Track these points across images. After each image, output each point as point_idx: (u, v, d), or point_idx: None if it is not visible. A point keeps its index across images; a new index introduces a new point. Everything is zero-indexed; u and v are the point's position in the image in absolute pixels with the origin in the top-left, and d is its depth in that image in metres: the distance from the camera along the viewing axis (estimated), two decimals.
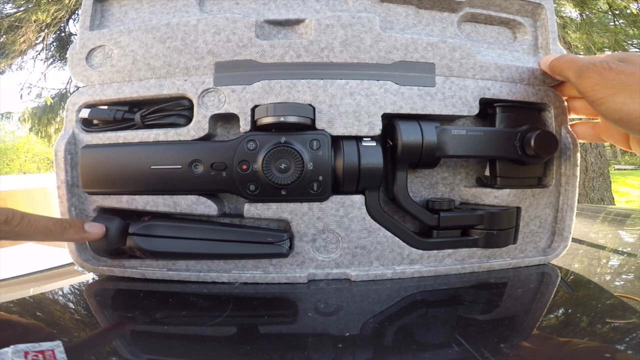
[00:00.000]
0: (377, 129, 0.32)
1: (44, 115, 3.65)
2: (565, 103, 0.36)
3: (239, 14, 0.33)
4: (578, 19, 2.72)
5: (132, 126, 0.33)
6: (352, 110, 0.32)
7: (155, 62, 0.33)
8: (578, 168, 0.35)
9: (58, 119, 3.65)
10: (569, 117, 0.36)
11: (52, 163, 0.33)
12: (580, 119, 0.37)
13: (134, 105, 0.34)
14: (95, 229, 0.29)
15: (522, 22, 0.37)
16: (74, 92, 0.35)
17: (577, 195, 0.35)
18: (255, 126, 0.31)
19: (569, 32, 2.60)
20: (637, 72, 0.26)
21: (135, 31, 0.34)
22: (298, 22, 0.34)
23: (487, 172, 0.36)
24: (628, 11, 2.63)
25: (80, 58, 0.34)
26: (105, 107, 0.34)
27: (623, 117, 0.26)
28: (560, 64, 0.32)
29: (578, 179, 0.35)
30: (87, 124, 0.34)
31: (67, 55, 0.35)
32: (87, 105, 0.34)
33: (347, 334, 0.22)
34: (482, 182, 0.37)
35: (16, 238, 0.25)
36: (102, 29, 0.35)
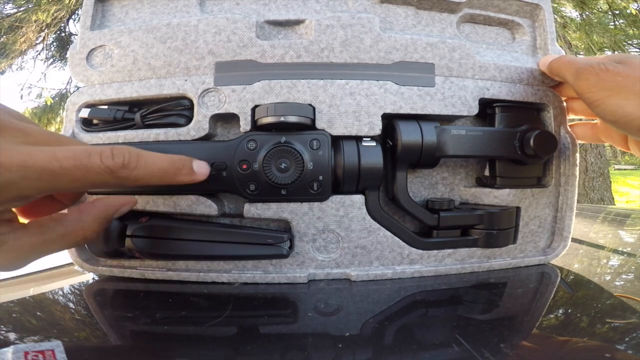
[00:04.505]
0: (377, 129, 0.32)
1: (44, 116, 3.65)
2: (565, 104, 0.36)
3: (239, 15, 0.33)
4: (578, 19, 2.72)
5: (132, 126, 0.33)
6: (352, 110, 0.32)
7: (156, 62, 0.33)
8: (577, 168, 0.35)
9: (58, 119, 3.65)
10: (568, 117, 0.36)
11: None
12: (580, 119, 0.37)
13: (134, 105, 0.34)
14: (203, 170, 0.26)
15: (521, 22, 0.38)
16: (74, 92, 0.35)
17: (576, 195, 0.35)
18: (255, 126, 0.31)
19: (569, 32, 2.60)
20: (633, 74, 0.26)
21: (135, 31, 0.34)
22: (298, 22, 0.34)
23: (486, 172, 0.36)
24: (628, 11, 2.63)
25: (80, 58, 0.34)
26: (106, 106, 0.34)
27: (619, 118, 0.26)
28: (558, 65, 0.32)
29: (577, 179, 0.35)
30: (87, 124, 0.34)
31: (67, 55, 0.35)
32: (87, 105, 0.34)
33: (347, 334, 0.22)
34: (481, 182, 0.37)
35: (131, 184, 0.21)
36: (102, 29, 0.35)
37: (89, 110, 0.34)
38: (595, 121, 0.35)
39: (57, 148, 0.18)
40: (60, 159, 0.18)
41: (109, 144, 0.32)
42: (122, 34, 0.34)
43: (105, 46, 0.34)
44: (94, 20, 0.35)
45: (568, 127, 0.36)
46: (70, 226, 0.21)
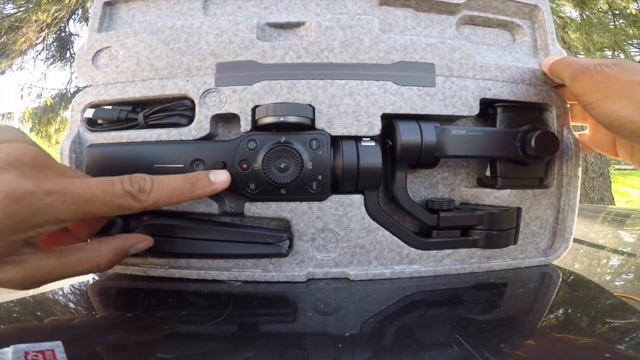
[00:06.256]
0: (377, 129, 0.32)
1: (44, 116, 3.65)
2: (568, 105, 0.36)
3: (241, 17, 0.34)
4: (578, 19, 2.72)
5: (136, 126, 0.34)
6: (351, 111, 0.32)
7: (159, 63, 0.33)
8: (580, 169, 0.35)
9: (58, 119, 3.65)
10: None
11: None
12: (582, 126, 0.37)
13: (137, 105, 0.34)
14: (221, 178, 0.26)
15: (520, 24, 0.38)
16: (75, 91, 0.35)
17: (578, 196, 0.35)
18: (255, 126, 0.32)
19: (568, 32, 2.60)
20: (627, 77, 0.25)
21: (141, 33, 0.34)
22: (299, 24, 0.35)
23: (487, 173, 0.36)
24: (628, 11, 2.63)
25: (87, 59, 0.35)
26: (110, 107, 0.34)
27: (613, 122, 0.26)
28: (557, 67, 0.32)
29: (580, 180, 0.35)
30: (92, 124, 0.34)
31: (67, 55, 0.35)
32: (92, 105, 0.34)
33: (347, 333, 0.22)
34: (482, 183, 0.37)
35: (153, 206, 0.23)
36: (109, 30, 0.35)
37: (93, 110, 0.34)
38: (584, 131, 0.35)
39: (88, 178, 0.22)
40: (92, 186, 0.21)
41: (112, 143, 0.33)
42: (128, 36, 0.34)
43: (111, 47, 0.35)
44: (101, 22, 0.35)
45: (571, 127, 0.35)
46: (88, 253, 0.23)
